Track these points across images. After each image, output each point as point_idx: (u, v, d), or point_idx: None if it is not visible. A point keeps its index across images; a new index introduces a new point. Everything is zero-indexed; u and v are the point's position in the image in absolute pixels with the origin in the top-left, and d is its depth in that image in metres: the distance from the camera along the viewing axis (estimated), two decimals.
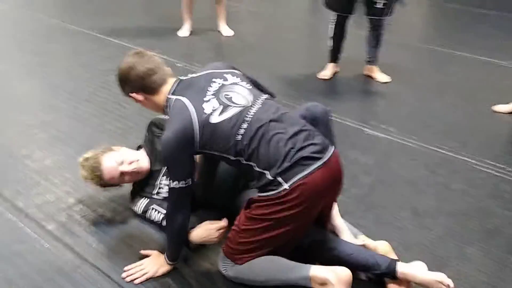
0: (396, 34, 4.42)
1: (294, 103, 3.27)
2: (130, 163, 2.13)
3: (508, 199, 2.37)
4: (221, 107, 1.78)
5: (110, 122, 3.09)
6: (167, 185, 1.83)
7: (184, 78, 1.91)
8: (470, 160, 2.69)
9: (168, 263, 1.91)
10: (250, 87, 1.90)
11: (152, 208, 2.15)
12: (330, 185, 1.80)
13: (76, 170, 2.48)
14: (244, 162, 1.76)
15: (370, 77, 3.76)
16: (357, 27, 3.95)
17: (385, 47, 3.72)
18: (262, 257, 1.80)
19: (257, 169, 1.74)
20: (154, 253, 1.97)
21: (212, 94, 1.81)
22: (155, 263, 1.92)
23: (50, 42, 4.54)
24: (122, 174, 2.12)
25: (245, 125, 1.75)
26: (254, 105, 1.81)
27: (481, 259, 2.00)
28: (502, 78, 3.79)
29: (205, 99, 1.80)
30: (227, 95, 1.82)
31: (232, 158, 1.77)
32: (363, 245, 1.91)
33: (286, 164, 1.70)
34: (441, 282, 1.75)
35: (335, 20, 3.59)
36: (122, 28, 4.88)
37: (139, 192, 2.23)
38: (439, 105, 3.36)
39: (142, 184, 2.23)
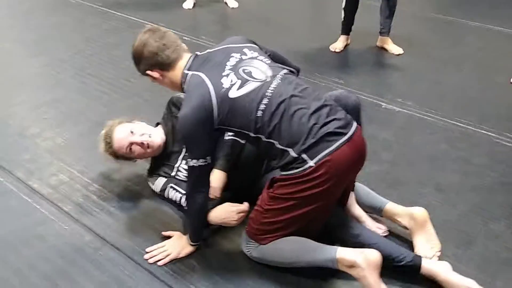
0: (407, 4, 4.30)
1: (307, 77, 3.20)
2: (142, 134, 2.09)
3: None
4: (240, 81, 1.72)
5: (120, 99, 3.02)
6: (186, 164, 1.78)
7: (200, 53, 1.84)
8: (490, 134, 2.63)
9: (190, 244, 1.88)
10: (269, 61, 1.83)
11: (170, 187, 2.10)
12: (356, 161, 1.75)
13: (89, 149, 2.44)
14: (265, 139, 1.70)
15: (383, 48, 3.67)
16: None
17: (397, 18, 3.61)
18: (287, 238, 1.76)
19: (279, 146, 1.68)
20: (176, 234, 1.93)
21: (230, 69, 1.75)
22: (177, 245, 1.88)
23: (52, 16, 4.42)
24: (131, 144, 2.07)
25: (265, 101, 1.69)
26: (273, 80, 1.75)
27: (509, 236, 1.97)
28: None
29: (223, 73, 1.74)
30: (246, 69, 1.76)
31: (252, 135, 1.72)
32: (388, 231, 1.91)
33: (310, 141, 1.65)
34: None
35: None
36: (125, 1, 4.74)
37: (156, 171, 2.18)
38: (456, 78, 3.29)
39: (160, 163, 2.18)
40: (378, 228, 1.92)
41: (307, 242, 1.75)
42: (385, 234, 1.93)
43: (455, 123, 2.74)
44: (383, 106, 2.93)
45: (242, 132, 1.74)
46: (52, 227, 2.01)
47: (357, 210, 1.94)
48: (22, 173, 2.33)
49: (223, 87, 1.71)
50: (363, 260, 1.63)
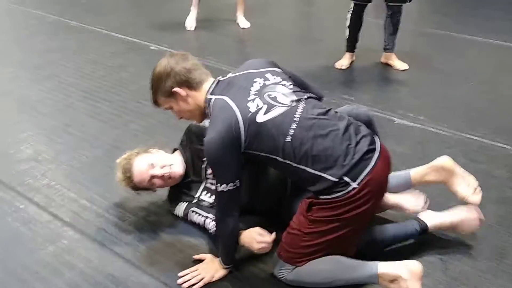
0: (409, 21, 4.35)
1: None
2: (163, 167, 2.06)
3: None
4: (266, 106, 1.71)
5: (133, 120, 3.00)
6: (214, 189, 1.77)
7: (222, 78, 1.84)
8: (506, 146, 2.66)
9: (223, 267, 1.85)
10: (291, 86, 1.82)
11: (192, 211, 2.08)
12: (388, 172, 1.78)
13: (108, 172, 2.42)
14: (295, 165, 1.68)
15: (387, 65, 3.72)
16: (369, 15, 3.89)
17: (400, 35, 3.66)
18: (325, 258, 1.74)
19: (312, 171, 1.67)
20: (208, 257, 1.91)
21: (255, 94, 1.75)
22: (210, 268, 1.86)
23: (53, 40, 4.40)
24: (152, 177, 2.05)
25: (293, 125, 1.69)
26: (299, 104, 1.74)
27: None
28: None
29: (248, 98, 1.73)
30: (270, 94, 1.75)
31: (280, 159, 1.71)
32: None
33: (350, 162, 1.65)
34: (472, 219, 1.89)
35: (352, 9, 3.54)
36: (126, 23, 4.77)
37: (177, 197, 2.15)
38: (462, 91, 3.34)
39: (180, 191, 2.15)
40: (417, 204, 1.99)
41: (345, 260, 1.74)
42: (427, 203, 2.01)
43: (470, 136, 2.77)
44: (395, 122, 2.95)
45: (270, 157, 1.72)
46: (79, 253, 1.97)
47: (391, 199, 1.97)
48: (41, 198, 2.30)
49: (250, 111, 1.70)
50: (407, 272, 1.65)
